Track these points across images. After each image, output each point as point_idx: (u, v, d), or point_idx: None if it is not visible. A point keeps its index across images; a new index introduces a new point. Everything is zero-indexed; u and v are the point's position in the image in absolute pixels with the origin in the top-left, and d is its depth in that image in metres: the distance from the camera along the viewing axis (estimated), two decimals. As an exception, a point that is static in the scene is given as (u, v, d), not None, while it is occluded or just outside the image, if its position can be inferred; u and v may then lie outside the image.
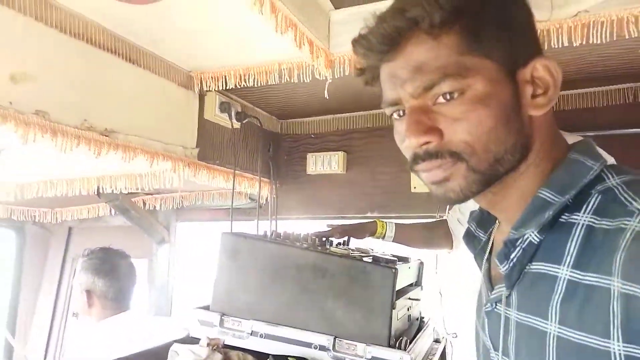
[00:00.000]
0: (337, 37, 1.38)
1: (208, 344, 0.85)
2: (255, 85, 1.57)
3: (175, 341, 1.14)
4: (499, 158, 0.55)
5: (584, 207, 0.52)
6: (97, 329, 1.71)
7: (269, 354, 1.07)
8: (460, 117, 0.54)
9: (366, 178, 2.10)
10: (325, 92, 1.54)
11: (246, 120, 1.91)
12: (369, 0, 1.31)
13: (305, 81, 1.49)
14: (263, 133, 2.10)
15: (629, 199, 0.49)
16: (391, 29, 0.55)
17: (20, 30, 1.06)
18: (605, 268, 0.46)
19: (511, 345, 0.59)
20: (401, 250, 1.66)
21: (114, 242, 2.70)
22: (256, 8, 1.04)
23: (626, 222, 0.47)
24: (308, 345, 1.15)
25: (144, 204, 2.45)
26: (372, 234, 1.60)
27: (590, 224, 0.51)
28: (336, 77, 1.44)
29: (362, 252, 1.44)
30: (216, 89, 1.66)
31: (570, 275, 0.50)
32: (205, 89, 1.65)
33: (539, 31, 1.17)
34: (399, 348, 1.12)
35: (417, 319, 1.56)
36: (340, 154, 2.12)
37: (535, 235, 0.56)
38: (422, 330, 1.44)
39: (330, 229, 1.56)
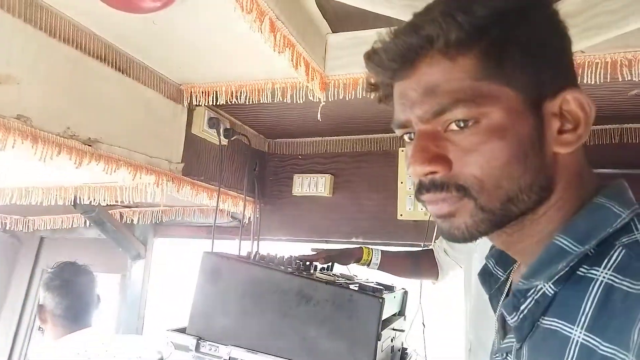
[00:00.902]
0: (333, 61, 1.37)
1: (185, 373, 0.80)
2: (246, 103, 1.54)
3: (148, 365, 1.08)
4: (512, 197, 0.50)
5: (605, 261, 0.46)
6: (51, 347, 1.63)
7: (246, 384, 1.01)
8: (471, 148, 0.49)
9: (352, 203, 2.08)
10: (319, 114, 1.52)
11: (234, 137, 1.88)
12: (367, 26, 1.31)
13: (298, 102, 1.48)
14: (250, 151, 2.07)
15: None
16: (404, 46, 0.51)
17: (7, 30, 1.02)
18: (623, 340, 0.41)
19: None
20: (385, 277, 1.63)
21: (87, 255, 2.61)
22: (255, 26, 1.03)
23: None
24: (288, 375, 1.10)
25: (121, 216, 2.37)
26: (358, 260, 1.57)
27: (610, 282, 0.45)
28: (330, 100, 1.42)
29: (348, 279, 1.41)
30: (206, 104, 1.62)
31: (584, 339, 0.45)
32: (194, 103, 1.62)
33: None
34: (382, 382, 1.08)
35: (400, 350, 1.52)
36: (328, 176, 2.10)
37: (550, 286, 0.50)
38: (404, 363, 1.40)
39: (315, 253, 1.52)
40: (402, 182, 1.98)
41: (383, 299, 1.13)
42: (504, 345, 0.58)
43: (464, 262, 1.52)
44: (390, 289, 1.41)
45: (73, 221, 2.38)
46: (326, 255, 1.51)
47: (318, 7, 1.24)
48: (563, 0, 1.03)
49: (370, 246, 1.61)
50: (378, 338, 1.11)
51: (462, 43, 0.49)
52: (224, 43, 1.30)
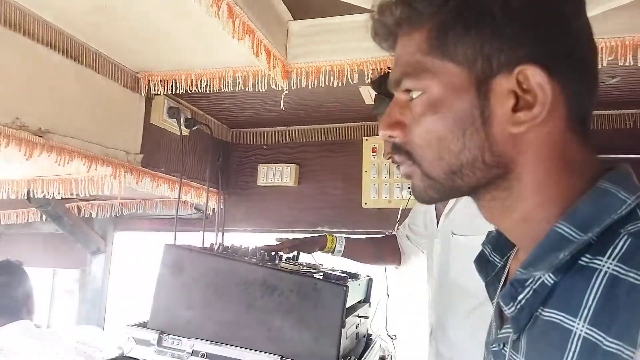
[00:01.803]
0: (295, 49, 1.36)
1: (145, 368, 0.78)
2: (207, 92, 1.51)
3: (108, 362, 1.05)
4: (455, 170, 0.51)
5: (610, 250, 0.44)
6: None
7: (210, 376, 1.00)
8: (416, 118, 0.52)
9: (318, 192, 2.08)
10: (282, 103, 1.51)
11: (196, 127, 1.84)
12: (328, 14, 1.30)
13: (260, 91, 1.45)
14: (213, 141, 2.03)
15: None
16: (383, 26, 0.56)
17: (-55, 14, 0.95)
18: (630, 337, 0.40)
19: None
20: (350, 265, 1.64)
21: (44, 251, 2.52)
22: (213, 11, 1.00)
23: None
24: (253, 365, 1.10)
25: (79, 210, 2.29)
26: (322, 248, 1.57)
27: (615, 272, 0.43)
28: (292, 88, 1.41)
29: (312, 268, 1.41)
30: (165, 93, 1.58)
31: (587, 333, 0.43)
32: (153, 92, 1.57)
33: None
34: (347, 368, 1.09)
35: (364, 336, 1.54)
36: (293, 166, 2.09)
37: (550, 276, 0.49)
38: (369, 348, 1.42)
39: (279, 242, 1.52)
40: (366, 171, 1.99)
41: (347, 286, 1.14)
42: (501, 336, 0.57)
43: (426, 247, 1.55)
44: (354, 276, 1.42)
45: (29, 216, 2.28)
46: (290, 244, 1.50)
47: (278, -6, 1.22)
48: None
49: (334, 234, 1.62)
50: (342, 325, 1.12)
51: (415, 21, 0.52)
52: (182, 29, 1.26)
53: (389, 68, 1.30)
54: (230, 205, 2.17)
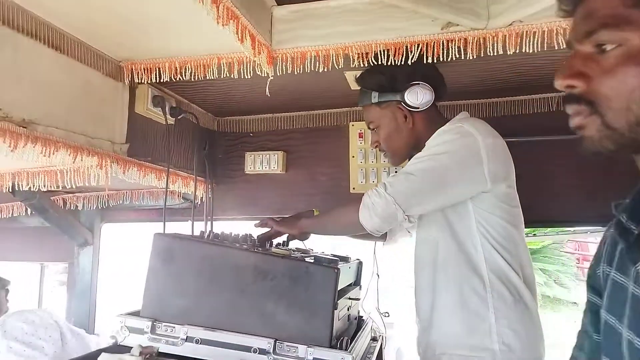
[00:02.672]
0: (279, 34, 1.35)
1: (140, 353, 0.79)
2: (192, 80, 1.50)
3: (103, 350, 1.05)
4: None
5: None
6: None
7: (206, 361, 1.01)
8: (608, 69, 0.54)
9: (306, 178, 2.09)
10: (267, 90, 1.50)
11: (181, 116, 1.82)
12: (312, -2, 1.30)
13: (246, 78, 1.45)
14: (199, 130, 2.02)
15: None
16: None
17: None
18: None
19: None
20: (340, 250, 1.66)
21: (31, 244, 2.49)
22: (196, -4, 0.99)
23: None
24: (247, 349, 1.11)
25: (65, 203, 2.26)
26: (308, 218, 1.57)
27: None
28: (278, 74, 1.41)
29: (303, 253, 1.43)
30: (149, 82, 1.56)
31: None
32: (136, 81, 1.55)
33: (474, 39, 1.23)
34: (340, 348, 1.11)
35: (356, 318, 1.57)
36: (280, 153, 2.09)
37: None
38: (361, 329, 1.45)
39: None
40: (353, 156, 2.00)
41: (338, 269, 1.15)
42: None
43: (414, 230, 1.57)
44: (345, 260, 1.44)
45: (13, 210, 2.25)
46: (273, 221, 1.51)
47: (262, -22, 1.21)
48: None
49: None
50: (335, 307, 1.13)
51: None
52: (166, 16, 1.24)
53: (373, 58, 1.30)
54: (219, 193, 2.17)
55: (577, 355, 0.79)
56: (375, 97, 1.41)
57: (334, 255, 1.47)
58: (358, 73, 1.54)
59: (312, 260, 1.21)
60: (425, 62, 1.28)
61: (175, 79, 1.49)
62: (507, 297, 1.26)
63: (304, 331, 1.12)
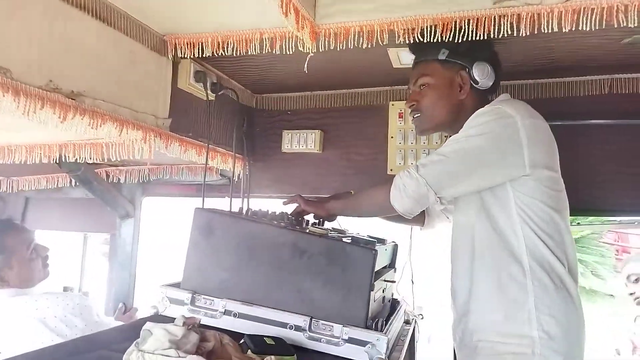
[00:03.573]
0: (323, 9, 1.32)
1: (184, 323, 0.80)
2: (233, 55, 1.49)
3: (144, 319, 1.09)
4: None
5: None
6: None
7: (243, 334, 1.03)
8: None
9: (342, 158, 2.07)
10: (305, 66, 1.48)
11: (222, 92, 1.83)
12: (358, -29, 1.26)
13: (287, 53, 1.43)
14: (238, 107, 2.02)
15: None
16: None
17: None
18: None
19: None
20: (376, 231, 1.64)
21: (74, 215, 2.59)
22: (243, -31, 0.97)
23: None
24: (283, 325, 1.13)
25: (107, 175, 2.33)
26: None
27: None
28: (320, 51, 1.38)
29: (340, 233, 1.42)
30: (191, 57, 1.56)
31: None
32: (179, 55, 1.56)
33: (528, 14, 1.17)
34: (375, 329, 1.11)
35: (390, 301, 1.56)
36: (318, 132, 2.08)
37: None
38: (395, 312, 1.44)
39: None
40: (392, 137, 1.96)
41: (376, 250, 1.14)
42: None
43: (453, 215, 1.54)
44: (381, 241, 1.43)
45: (58, 181, 2.33)
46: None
47: (308, -49, 1.18)
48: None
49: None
50: (371, 288, 1.13)
51: None
52: (209, -10, 1.23)
53: (419, 34, 1.26)
54: (255, 171, 2.18)
55: None
56: (444, 53, 1.36)
57: (370, 237, 1.46)
58: (401, 50, 1.50)
59: (349, 241, 1.20)
60: (475, 39, 1.23)
61: (218, 54, 1.49)
62: (549, 284, 1.22)
63: (340, 311, 1.12)
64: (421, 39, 1.27)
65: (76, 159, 1.65)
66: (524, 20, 1.17)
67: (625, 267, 3.25)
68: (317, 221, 1.53)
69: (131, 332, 0.96)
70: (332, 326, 1.10)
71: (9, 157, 1.71)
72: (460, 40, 1.23)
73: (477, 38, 1.22)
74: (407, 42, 1.31)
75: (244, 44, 1.44)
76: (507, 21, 1.18)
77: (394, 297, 1.65)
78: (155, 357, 0.75)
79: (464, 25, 1.21)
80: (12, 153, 1.70)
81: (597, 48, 1.49)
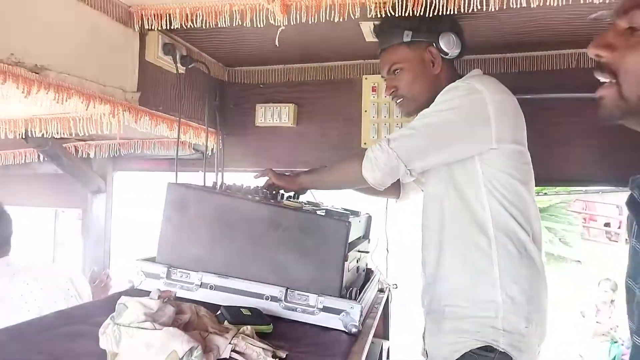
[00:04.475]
0: (294, -20, 1.30)
1: (159, 297, 0.82)
2: (203, 28, 1.46)
3: (119, 293, 1.09)
4: None
5: None
6: None
7: (219, 306, 1.05)
8: (634, 47, 0.62)
9: (316, 132, 2.08)
10: (277, 39, 1.47)
11: (192, 65, 1.79)
12: (329, -58, 1.24)
13: (258, 27, 1.41)
14: (210, 80, 1.99)
15: None
16: None
17: None
18: None
19: None
20: (350, 203, 1.68)
21: (44, 191, 2.54)
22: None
23: None
24: (259, 296, 1.15)
25: (77, 150, 2.28)
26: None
27: None
28: (291, 24, 1.37)
29: (314, 206, 1.44)
30: (159, 29, 1.52)
31: None
32: (146, 27, 1.51)
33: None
34: (350, 298, 1.15)
35: (364, 270, 1.60)
36: (291, 106, 2.07)
37: None
38: (369, 281, 1.49)
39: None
40: (366, 111, 1.98)
41: (349, 222, 1.17)
42: None
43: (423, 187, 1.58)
44: (355, 213, 1.46)
45: (26, 156, 2.27)
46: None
47: None
48: None
49: None
50: (345, 259, 1.16)
51: None
52: (177, -41, 1.20)
53: (391, 8, 1.26)
54: (229, 145, 2.17)
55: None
56: (408, 35, 1.37)
57: (344, 209, 1.49)
58: (373, 24, 1.49)
59: (323, 214, 1.23)
60: (445, 13, 1.24)
61: (186, 26, 1.46)
62: (513, 252, 1.28)
63: (315, 281, 1.15)
64: (392, 13, 1.27)
65: (43, 133, 1.61)
66: (494, -6, 1.18)
67: None
68: (291, 195, 1.55)
69: (107, 306, 0.97)
70: (308, 296, 1.14)
71: (-28, 133, 1.66)
72: (419, 16, 1.25)
73: (447, 13, 1.22)
74: (378, 16, 1.31)
75: (214, 16, 1.41)
76: (477, -5, 1.19)
77: (368, 266, 1.70)
78: (132, 330, 0.76)
79: (435, 0, 1.21)
80: (-25, 129, 1.65)
81: (564, 23, 1.51)
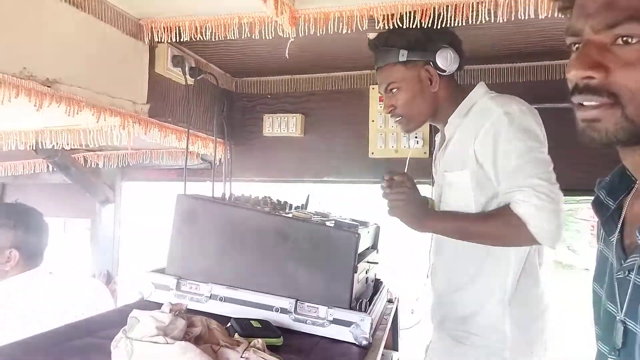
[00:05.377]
0: (303, -7, 1.31)
1: (171, 310, 0.82)
2: (212, 40, 1.47)
3: (129, 305, 1.09)
4: None
5: None
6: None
7: (229, 318, 1.05)
8: (631, 62, 0.54)
9: (323, 142, 2.08)
10: (287, 51, 1.48)
11: (201, 76, 1.81)
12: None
13: (265, 38, 1.42)
14: (218, 91, 2.01)
15: None
16: None
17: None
18: None
19: None
20: (358, 213, 1.67)
21: (53, 201, 2.55)
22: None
23: None
24: (269, 308, 1.15)
25: (85, 161, 2.30)
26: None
27: None
28: (300, 36, 1.38)
29: (323, 216, 1.44)
30: (168, 41, 1.54)
31: None
32: (156, 39, 1.53)
33: (506, 1, 1.18)
34: (359, 310, 1.14)
35: (373, 281, 1.60)
36: (299, 116, 2.08)
37: None
38: (378, 292, 1.48)
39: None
40: (373, 121, 1.98)
41: (359, 234, 1.17)
42: (626, 265, 0.64)
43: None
44: (364, 224, 1.45)
45: (35, 166, 2.29)
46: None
47: None
48: None
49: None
50: (355, 270, 1.15)
51: None
52: (187, -27, 1.21)
53: (398, 20, 1.26)
54: (237, 155, 2.18)
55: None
56: (403, 55, 1.35)
57: (353, 219, 1.48)
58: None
59: (332, 224, 1.22)
60: (453, 25, 1.24)
61: (195, 39, 1.47)
62: (525, 274, 1.31)
63: (325, 293, 1.15)
64: (400, 25, 1.27)
65: (53, 145, 1.62)
66: (502, 7, 1.19)
67: None
68: (300, 205, 1.55)
69: (117, 319, 0.97)
70: (317, 308, 1.13)
71: (-17, 144, 1.68)
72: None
73: (455, 25, 1.23)
74: (386, 27, 1.32)
75: (223, 28, 1.43)
76: (484, 8, 1.20)
77: (377, 277, 1.69)
78: (144, 344, 0.76)
79: (443, 12, 1.22)
80: (-13, 140, 1.67)
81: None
